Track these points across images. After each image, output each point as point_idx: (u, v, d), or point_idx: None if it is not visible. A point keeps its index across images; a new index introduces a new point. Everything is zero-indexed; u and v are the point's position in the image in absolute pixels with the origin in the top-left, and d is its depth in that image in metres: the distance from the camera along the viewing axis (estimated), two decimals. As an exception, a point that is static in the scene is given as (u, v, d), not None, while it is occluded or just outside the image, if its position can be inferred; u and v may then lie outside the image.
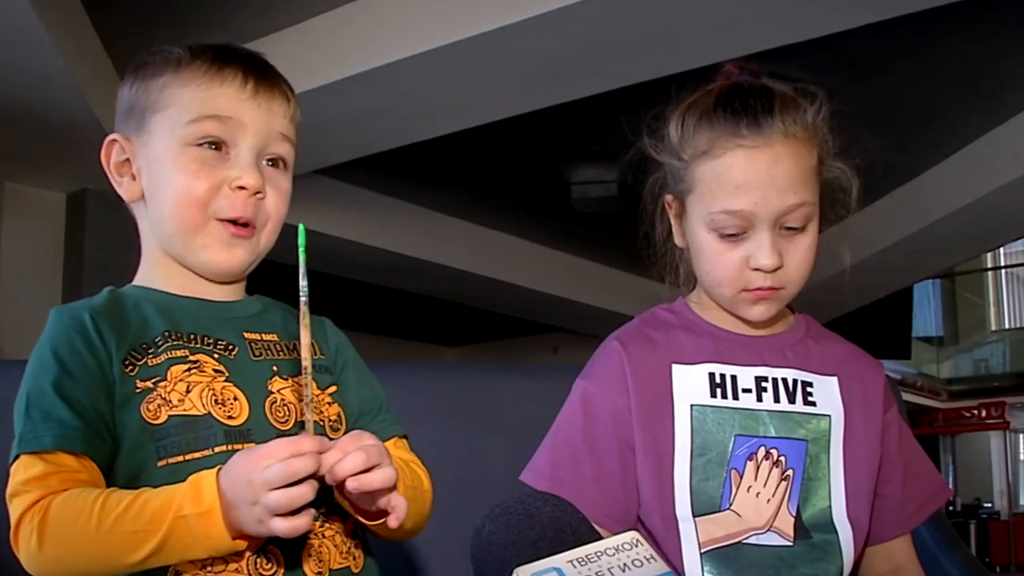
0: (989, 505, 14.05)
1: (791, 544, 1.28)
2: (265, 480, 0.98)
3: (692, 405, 1.30)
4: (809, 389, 1.34)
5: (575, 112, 4.43)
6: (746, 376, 1.33)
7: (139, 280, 1.25)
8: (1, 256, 5.00)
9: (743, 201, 1.26)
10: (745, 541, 1.27)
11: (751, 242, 1.28)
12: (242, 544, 1.02)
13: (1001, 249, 14.32)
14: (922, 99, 5.10)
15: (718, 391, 1.31)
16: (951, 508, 12.51)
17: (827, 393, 1.35)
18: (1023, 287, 16.23)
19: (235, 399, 1.13)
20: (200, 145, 1.17)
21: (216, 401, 1.12)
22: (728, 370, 1.33)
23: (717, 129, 1.28)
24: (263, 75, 1.22)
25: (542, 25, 3.55)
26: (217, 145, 1.18)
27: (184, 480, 1.04)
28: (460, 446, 1.72)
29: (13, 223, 5.08)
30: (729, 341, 1.35)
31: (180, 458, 1.08)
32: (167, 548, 1.00)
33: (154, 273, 1.23)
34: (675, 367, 1.32)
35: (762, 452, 1.30)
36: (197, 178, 1.17)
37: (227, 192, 1.18)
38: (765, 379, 1.33)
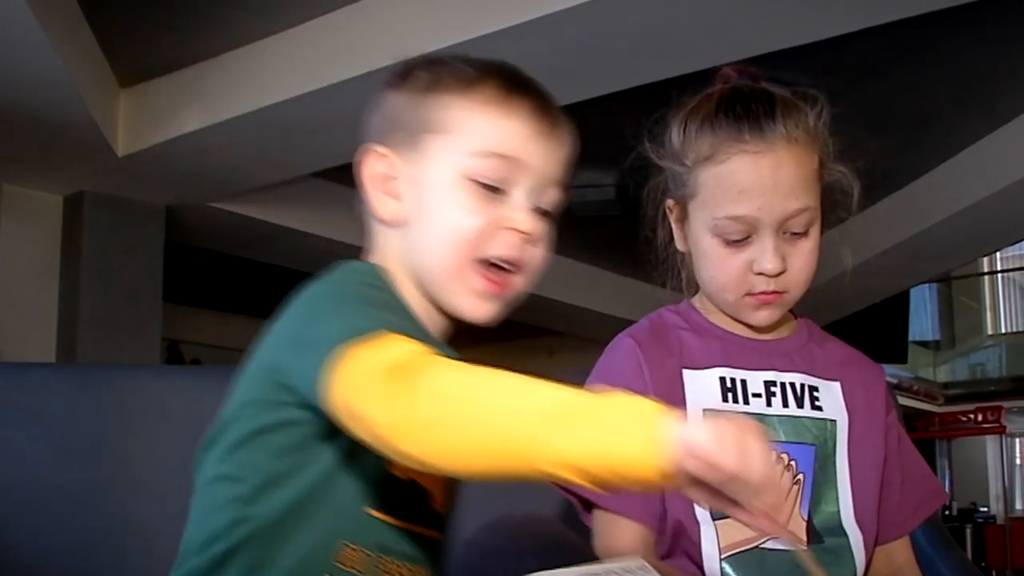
0: (985, 509, 14.05)
1: (804, 548, 1.28)
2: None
3: (704, 410, 1.29)
4: (816, 393, 1.34)
5: (572, 115, 4.42)
6: (755, 380, 1.32)
7: None
8: (-2, 258, 5.00)
9: (747, 207, 1.26)
10: (762, 546, 1.27)
11: (754, 247, 1.27)
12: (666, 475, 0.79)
13: (998, 254, 14.33)
14: (920, 102, 5.10)
15: (729, 395, 1.31)
16: (947, 512, 12.51)
17: (832, 397, 1.35)
18: (1020, 292, 16.24)
19: None
20: (478, 182, 1.08)
21: None
22: (738, 374, 1.32)
23: (720, 134, 1.28)
24: (550, 112, 1.14)
25: (539, 28, 3.55)
26: (496, 185, 1.08)
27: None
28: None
29: (10, 225, 5.07)
30: (738, 345, 1.35)
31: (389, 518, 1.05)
32: (581, 424, 0.79)
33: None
34: (685, 372, 1.32)
35: (774, 457, 1.29)
36: (472, 216, 1.07)
37: (498, 233, 1.08)
38: (774, 383, 1.33)
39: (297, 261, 6.49)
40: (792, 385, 1.33)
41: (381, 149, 1.12)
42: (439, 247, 1.08)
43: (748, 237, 1.27)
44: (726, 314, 1.36)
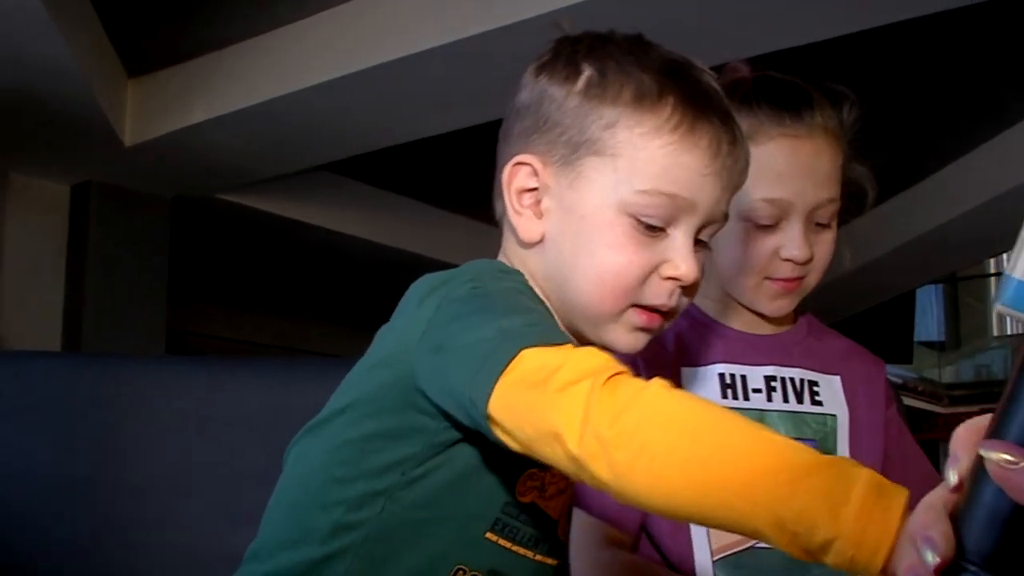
0: (988, 510, 14.02)
1: None
2: None
3: None
4: (816, 388, 1.34)
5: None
6: (756, 376, 1.32)
7: None
8: (4, 247, 5.00)
9: (783, 190, 1.25)
10: (757, 546, 1.25)
11: (783, 233, 1.27)
12: None
13: (1004, 255, 14.30)
14: (929, 103, 5.09)
15: (729, 392, 1.30)
16: (951, 513, 12.46)
17: (832, 392, 1.35)
18: (1026, 293, 16.18)
19: None
20: (640, 221, 0.95)
21: None
22: (738, 370, 1.32)
23: (760, 116, 1.26)
24: (731, 137, 0.97)
25: (544, 25, 3.54)
26: (659, 225, 0.95)
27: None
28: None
29: (17, 215, 5.07)
30: (736, 340, 1.34)
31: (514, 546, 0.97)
32: (799, 498, 0.68)
33: None
34: (684, 370, 1.31)
35: None
36: (631, 261, 0.95)
37: (655, 279, 0.96)
38: (774, 379, 1.32)
39: (304, 254, 6.49)
40: (792, 380, 1.33)
41: (534, 162, 1.00)
42: (593, 289, 0.96)
43: (777, 223, 1.27)
44: (740, 304, 1.34)
